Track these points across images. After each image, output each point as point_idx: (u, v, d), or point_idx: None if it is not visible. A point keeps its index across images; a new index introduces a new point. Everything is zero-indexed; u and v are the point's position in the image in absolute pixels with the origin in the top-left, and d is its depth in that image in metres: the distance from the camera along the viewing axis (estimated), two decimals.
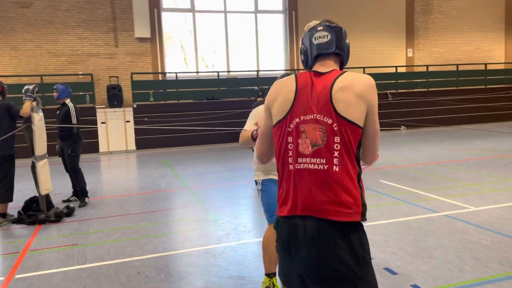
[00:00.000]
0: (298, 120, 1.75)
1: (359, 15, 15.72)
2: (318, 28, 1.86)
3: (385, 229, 4.51)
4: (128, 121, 12.48)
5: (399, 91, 14.93)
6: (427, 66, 15.71)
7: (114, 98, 12.52)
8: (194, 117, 12.71)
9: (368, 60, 15.21)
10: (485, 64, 16.37)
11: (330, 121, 1.70)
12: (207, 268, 3.76)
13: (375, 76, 14.68)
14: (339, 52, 1.86)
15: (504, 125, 14.47)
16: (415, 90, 15.14)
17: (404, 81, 15.41)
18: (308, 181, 1.71)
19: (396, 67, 15.32)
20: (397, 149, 10.30)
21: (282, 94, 1.83)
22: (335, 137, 1.68)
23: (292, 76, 1.85)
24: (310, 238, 1.67)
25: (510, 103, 15.50)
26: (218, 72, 13.81)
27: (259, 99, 8.54)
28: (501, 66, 17.21)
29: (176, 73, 13.58)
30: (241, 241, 4.42)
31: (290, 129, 1.77)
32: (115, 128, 12.33)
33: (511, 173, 7.01)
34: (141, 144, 12.61)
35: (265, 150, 1.98)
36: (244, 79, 14.35)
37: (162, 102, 13.28)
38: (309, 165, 1.71)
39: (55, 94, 6.27)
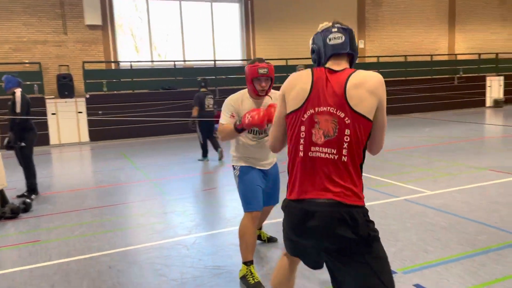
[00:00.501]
0: (313, 111, 1.90)
1: (314, 7, 15.97)
2: (333, 30, 2.01)
3: None
4: (81, 112, 12.01)
5: None
6: (378, 57, 16.27)
7: (65, 88, 11.98)
8: (150, 107, 12.43)
9: None
10: (431, 56, 17.20)
11: (342, 115, 1.85)
12: (180, 259, 3.73)
13: None
14: (351, 52, 2.01)
15: (449, 113, 15.32)
16: None
17: None
18: (319, 168, 1.87)
19: None
20: None
21: (298, 85, 1.96)
22: (346, 130, 1.84)
23: (308, 70, 1.98)
24: (323, 217, 1.83)
25: (453, 93, 16.43)
26: (174, 61, 13.55)
27: (202, 89, 8.50)
28: (445, 58, 18.16)
29: (130, 62, 13.19)
30: (212, 231, 4.42)
31: (303, 119, 1.92)
32: (67, 120, 11.81)
33: (460, 158, 7.46)
34: (95, 135, 12.19)
35: (280, 137, 2.12)
36: (201, 68, 14.20)
37: (116, 92, 12.87)
38: (321, 153, 1.87)
39: (3, 85, 5.94)
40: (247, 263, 3.20)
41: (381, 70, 15.89)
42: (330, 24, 2.04)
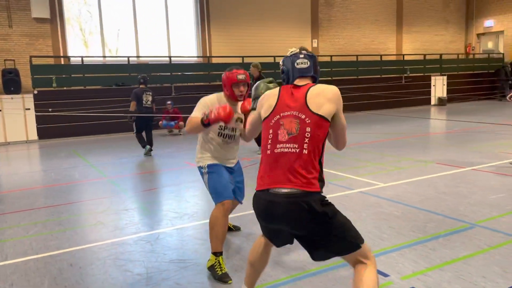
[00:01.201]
0: (278, 117, 2.32)
1: (269, 6, 16.16)
2: (300, 56, 2.47)
3: None
4: (28, 109, 11.47)
5: None
6: (331, 56, 16.74)
7: (11, 83, 11.40)
8: (103, 104, 12.09)
9: (277, 49, 15.74)
10: (380, 56, 17.92)
11: (303, 116, 2.25)
12: (144, 254, 3.71)
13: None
14: (314, 75, 2.48)
15: (398, 111, 16.05)
16: (321, 78, 16.02)
17: None
18: (284, 161, 2.22)
19: None
20: None
21: (270, 99, 2.44)
22: (307, 128, 2.22)
23: (276, 89, 2.49)
24: (287, 202, 2.18)
25: (401, 91, 17.23)
26: (128, 57, 13.25)
27: (141, 86, 8.74)
28: (393, 58, 18.99)
29: (81, 57, 12.75)
30: (175, 227, 4.42)
31: (271, 124, 2.34)
32: (13, 117, 11.25)
33: (409, 152, 7.88)
34: (44, 133, 11.69)
35: (251, 133, 2.81)
36: (156, 65, 13.98)
37: (66, 88, 12.41)
38: (284, 149, 2.24)
39: None
40: (217, 253, 3.26)
41: (333, 69, 16.38)
42: (298, 50, 2.49)
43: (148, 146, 8.64)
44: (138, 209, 5.10)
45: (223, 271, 3.19)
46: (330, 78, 16.16)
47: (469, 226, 4.09)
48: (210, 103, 3.35)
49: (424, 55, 18.78)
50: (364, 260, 2.24)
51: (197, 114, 3.29)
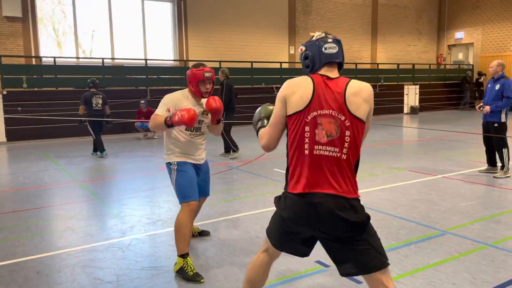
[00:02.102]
0: (316, 114, 2.11)
1: (247, 12, 16.21)
2: (328, 40, 2.24)
3: None
4: None
5: None
6: None
7: None
8: (76, 106, 11.79)
9: (255, 55, 15.80)
10: (355, 64, 18.21)
11: (343, 118, 2.09)
12: (115, 261, 3.62)
13: (261, 71, 15.36)
14: (341, 61, 2.26)
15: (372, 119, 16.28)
16: None
17: (287, 76, 16.33)
18: (323, 165, 2.10)
19: (280, 63, 16.17)
20: (285, 140, 10.93)
21: (300, 89, 2.15)
22: (347, 131, 2.09)
23: (306, 77, 2.20)
24: (327, 206, 2.07)
25: (375, 99, 17.51)
26: (102, 58, 13.01)
27: (92, 89, 8.93)
28: (368, 66, 19.34)
29: (54, 57, 12.44)
30: (147, 233, 4.33)
31: (307, 120, 2.12)
32: None
33: (383, 159, 8.01)
34: (13, 135, 11.33)
35: (277, 136, 2.32)
36: (132, 67, 13.78)
37: (37, 89, 12.07)
38: (324, 151, 2.10)
39: None
40: (184, 255, 3.27)
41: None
42: (323, 34, 2.27)
43: (105, 152, 8.91)
44: (110, 214, 4.98)
45: (193, 271, 3.21)
46: None
47: (440, 233, 4.17)
48: (173, 99, 3.42)
49: (398, 64, 19.20)
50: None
51: (160, 111, 3.35)
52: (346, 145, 2.09)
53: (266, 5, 16.67)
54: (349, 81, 2.16)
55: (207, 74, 3.43)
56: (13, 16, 12.28)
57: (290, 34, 17.46)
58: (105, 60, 13.12)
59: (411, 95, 18.53)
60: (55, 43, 13.81)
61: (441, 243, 3.91)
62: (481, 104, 6.51)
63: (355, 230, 2.08)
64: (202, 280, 3.16)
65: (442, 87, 19.97)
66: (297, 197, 2.13)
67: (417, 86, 18.71)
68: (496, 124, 6.43)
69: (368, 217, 2.12)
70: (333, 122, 2.09)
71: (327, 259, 3.56)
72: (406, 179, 6.44)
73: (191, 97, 3.51)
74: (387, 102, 17.80)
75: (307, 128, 2.12)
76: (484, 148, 6.79)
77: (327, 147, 2.09)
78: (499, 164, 6.60)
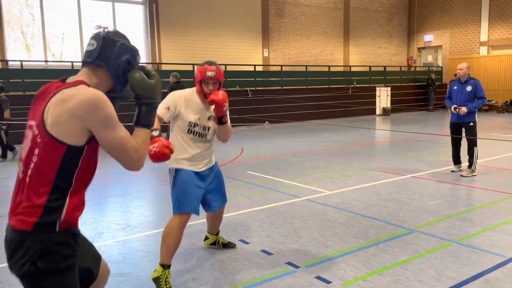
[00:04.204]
0: (27, 124, 1.77)
1: (220, 15, 16.19)
2: (91, 36, 1.83)
3: (258, 215, 4.84)
4: None
5: (257, 88, 15.84)
6: (281, 66, 17.01)
7: None
8: None
9: (229, 57, 15.78)
10: (329, 66, 18.44)
11: (36, 132, 1.69)
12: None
13: (236, 73, 15.36)
14: (100, 63, 1.78)
15: (345, 120, 16.54)
16: (271, 88, 16.28)
17: (261, 79, 16.41)
18: (15, 187, 1.75)
19: (254, 65, 16.21)
20: (258, 142, 10.97)
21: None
22: (36, 149, 1.68)
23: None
24: (6, 244, 1.74)
25: (348, 101, 17.80)
26: (72, 62, 12.74)
27: (2, 93, 9.24)
28: (341, 69, 19.61)
29: (21, 61, 12.11)
30: (116, 239, 4.26)
31: (25, 133, 1.80)
32: None
33: (355, 160, 8.12)
34: None
35: None
36: None
37: (3, 94, 11.68)
38: (20, 171, 1.74)
39: None
40: (165, 266, 3.14)
41: (284, 78, 16.65)
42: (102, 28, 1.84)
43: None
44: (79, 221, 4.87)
45: (167, 286, 3.08)
46: (280, 87, 16.40)
47: (407, 232, 4.25)
48: (176, 98, 3.19)
49: (370, 67, 19.54)
50: None
51: (160, 110, 3.10)
52: (31, 165, 1.68)
53: (240, 8, 16.71)
54: (70, 86, 1.69)
55: (209, 73, 3.12)
56: None
57: (264, 36, 17.54)
58: (74, 63, 12.85)
59: (383, 97, 18.88)
60: (24, 47, 13.46)
61: (408, 241, 3.99)
62: (455, 105, 6.64)
63: (22, 279, 1.70)
64: None
65: (412, 88, 20.44)
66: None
67: (389, 88, 19.09)
68: (471, 123, 6.62)
69: (33, 268, 1.66)
70: (30, 137, 1.72)
71: (297, 260, 3.59)
72: (377, 179, 6.55)
73: (198, 98, 3.24)
74: (360, 104, 18.09)
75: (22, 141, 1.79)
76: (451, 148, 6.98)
77: (21, 166, 1.73)
78: (464, 163, 6.80)
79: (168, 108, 3.15)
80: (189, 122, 3.20)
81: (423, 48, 22.42)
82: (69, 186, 1.73)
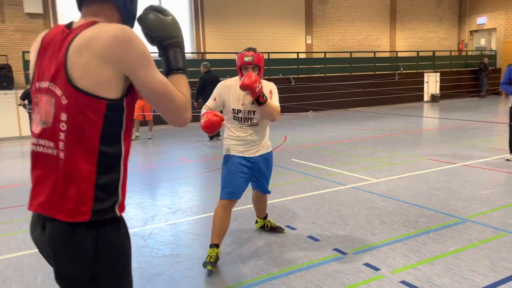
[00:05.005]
0: (35, 89, 1.43)
1: (264, 2, 16.14)
2: None
3: (303, 202, 4.88)
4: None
5: (300, 76, 15.73)
6: (325, 52, 16.77)
7: (3, 79, 11.32)
8: None
9: (272, 45, 15.74)
10: (374, 52, 17.97)
11: (59, 92, 1.34)
12: (137, 249, 3.73)
13: (278, 61, 15.33)
14: None
15: (390, 107, 16.13)
16: (314, 75, 16.11)
17: (304, 66, 16.27)
18: (38, 168, 1.43)
19: (297, 53, 16.09)
20: (302, 130, 10.94)
21: (32, 53, 1.49)
22: (62, 114, 1.34)
23: (47, 30, 1.48)
24: (46, 240, 1.40)
25: (394, 88, 17.30)
26: None
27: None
28: (387, 55, 19.05)
29: None
30: (168, 222, 4.43)
31: (33, 99, 1.45)
32: (5, 113, 11.17)
33: (402, 148, 7.94)
34: (27, 130, 11.60)
35: None
36: None
37: None
38: (39, 147, 1.41)
39: None
40: (211, 245, 3.32)
41: (327, 65, 16.42)
42: None
43: None
44: (132, 205, 5.10)
45: (208, 260, 3.22)
46: (324, 75, 16.19)
47: (459, 221, 4.14)
48: (221, 88, 3.36)
49: (417, 52, 18.85)
50: None
51: (210, 100, 3.35)
52: (61, 136, 1.33)
53: None
54: (87, 27, 1.35)
55: (246, 59, 3.23)
56: (34, 13, 12.53)
57: (307, 23, 17.33)
58: None
59: (432, 83, 18.20)
60: None
61: (460, 231, 3.89)
62: None
63: (59, 278, 1.40)
64: (208, 267, 3.15)
65: (463, 74, 19.55)
66: (32, 216, 1.48)
67: (438, 74, 18.36)
68: None
69: (85, 268, 1.36)
70: (49, 101, 1.36)
71: (345, 247, 3.60)
72: (425, 167, 6.38)
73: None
74: (407, 90, 17.54)
75: (33, 113, 1.45)
76: (507, 135, 6.66)
77: (40, 140, 1.40)
78: None
79: (215, 99, 3.35)
80: (233, 109, 3.35)
81: (476, 31, 21.32)
82: (120, 154, 1.42)
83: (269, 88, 3.38)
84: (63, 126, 1.33)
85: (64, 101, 1.32)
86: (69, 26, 1.41)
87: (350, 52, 17.22)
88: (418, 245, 3.61)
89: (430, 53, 19.08)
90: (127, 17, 1.51)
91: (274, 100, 3.32)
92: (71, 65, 1.31)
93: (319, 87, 15.58)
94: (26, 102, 9.51)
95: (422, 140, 9.24)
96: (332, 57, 16.99)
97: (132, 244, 3.82)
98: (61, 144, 1.34)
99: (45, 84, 1.37)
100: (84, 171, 1.33)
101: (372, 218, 4.31)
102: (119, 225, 1.44)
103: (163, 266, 3.37)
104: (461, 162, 6.62)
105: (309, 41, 17.47)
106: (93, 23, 1.37)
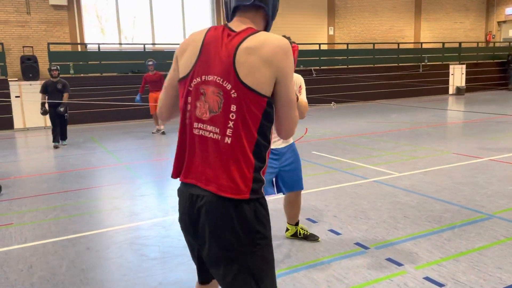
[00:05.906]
0: (199, 80, 1.59)
1: None
2: None
3: (324, 195, 4.83)
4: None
5: (322, 67, 15.56)
6: (347, 44, 16.53)
7: (29, 70, 11.56)
8: (119, 90, 12.18)
9: (293, 36, 15.52)
10: (398, 44, 17.62)
11: (229, 87, 1.53)
12: (159, 239, 3.77)
13: (300, 53, 15.09)
14: (259, 4, 1.62)
15: (414, 100, 15.82)
16: (336, 67, 15.90)
17: (326, 58, 16.08)
18: (201, 149, 1.60)
19: (319, 44, 15.90)
20: (323, 123, 10.84)
21: (190, 47, 1.65)
22: (232, 105, 1.53)
23: (205, 29, 1.66)
24: (203, 211, 1.58)
25: (419, 80, 16.95)
26: (144, 44, 13.29)
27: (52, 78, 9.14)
28: (411, 46, 18.65)
29: (98, 44, 12.83)
30: None
31: (190, 88, 1.61)
32: (32, 103, 11.42)
33: (425, 142, 7.78)
34: None
35: (168, 104, 1.79)
36: (171, 52, 13.94)
37: (83, 75, 12.53)
38: (204, 132, 1.58)
39: None
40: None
41: (349, 57, 16.19)
42: None
43: (55, 143, 8.60)
44: (153, 195, 5.16)
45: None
46: (346, 66, 15.98)
47: (485, 217, 4.03)
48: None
49: (443, 43, 18.40)
50: None
51: None
52: (230, 124, 1.53)
53: None
54: (252, 33, 1.56)
55: None
56: (59, 5, 12.73)
57: (329, 14, 17.09)
58: (146, 46, 13.39)
59: (457, 75, 17.76)
60: (99, 30, 14.22)
61: (486, 227, 3.79)
62: None
63: (237, 244, 1.57)
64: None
65: (491, 66, 19.00)
66: (182, 187, 1.67)
67: (464, 66, 17.90)
68: None
69: (259, 231, 1.57)
70: (217, 93, 1.55)
71: (367, 241, 3.56)
72: (450, 161, 6.24)
73: None
74: (431, 82, 17.16)
75: (189, 99, 1.61)
76: None
77: (208, 126, 1.57)
78: None
79: None
80: None
81: (504, 22, 20.65)
82: (267, 146, 1.61)
83: (299, 83, 3.25)
84: (232, 116, 1.53)
85: (233, 95, 1.52)
86: (231, 28, 1.61)
87: (373, 44, 16.92)
88: (443, 241, 3.53)
89: (456, 45, 18.60)
90: (269, 24, 1.73)
91: (303, 96, 3.22)
92: (239, 64, 1.51)
93: (341, 79, 15.39)
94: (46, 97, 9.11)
95: (447, 133, 9.04)
96: (355, 49, 16.73)
97: (154, 234, 3.88)
98: (228, 131, 1.54)
99: (211, 77, 1.56)
100: (247, 156, 1.54)
101: (395, 212, 4.25)
102: (264, 204, 1.64)
103: (184, 257, 3.40)
104: (488, 157, 6.44)
105: (331, 32, 17.25)
106: (256, 30, 1.59)
